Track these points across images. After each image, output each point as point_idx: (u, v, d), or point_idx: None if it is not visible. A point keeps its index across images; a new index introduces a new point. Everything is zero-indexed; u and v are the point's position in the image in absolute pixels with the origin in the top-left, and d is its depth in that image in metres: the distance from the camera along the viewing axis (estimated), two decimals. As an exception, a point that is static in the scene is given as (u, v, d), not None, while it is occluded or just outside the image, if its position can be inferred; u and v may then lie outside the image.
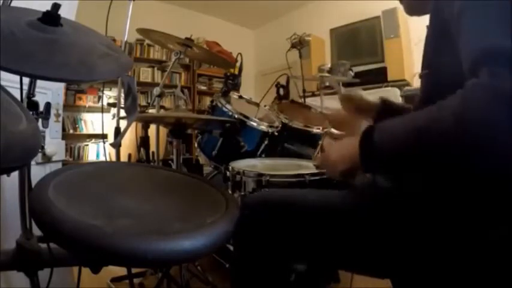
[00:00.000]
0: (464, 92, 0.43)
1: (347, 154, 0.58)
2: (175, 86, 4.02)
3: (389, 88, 3.14)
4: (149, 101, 4.15)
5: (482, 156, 0.41)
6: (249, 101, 1.63)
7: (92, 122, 3.96)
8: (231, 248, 1.07)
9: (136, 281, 1.38)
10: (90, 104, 3.88)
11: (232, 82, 1.55)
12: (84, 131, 3.92)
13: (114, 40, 2.69)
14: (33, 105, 0.77)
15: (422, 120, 0.47)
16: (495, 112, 0.39)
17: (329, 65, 3.68)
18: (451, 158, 0.44)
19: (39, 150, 1.07)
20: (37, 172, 1.06)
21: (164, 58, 4.43)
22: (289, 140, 1.44)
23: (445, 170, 0.47)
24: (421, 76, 0.64)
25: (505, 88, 0.39)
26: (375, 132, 0.53)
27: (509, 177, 0.43)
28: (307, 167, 1.05)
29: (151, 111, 1.71)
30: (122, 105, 1.22)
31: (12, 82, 0.73)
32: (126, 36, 1.43)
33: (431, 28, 0.61)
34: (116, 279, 1.40)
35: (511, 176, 0.43)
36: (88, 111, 3.91)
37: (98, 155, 3.95)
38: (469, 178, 0.47)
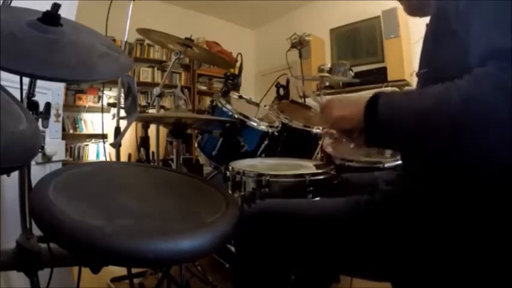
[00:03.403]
0: (473, 78, 0.44)
1: (351, 116, 0.58)
2: (175, 86, 4.01)
3: (389, 88, 3.14)
4: (149, 101, 4.15)
5: (483, 139, 0.44)
6: (249, 101, 1.63)
7: (92, 122, 3.96)
8: (231, 248, 1.07)
9: (136, 281, 1.39)
10: (90, 104, 3.88)
11: (232, 82, 1.55)
12: (84, 131, 3.92)
13: (114, 40, 2.69)
14: (33, 105, 0.77)
15: (430, 101, 0.48)
16: (499, 102, 0.41)
17: (329, 65, 3.69)
18: (455, 140, 0.46)
19: (39, 150, 1.07)
20: (37, 172, 1.06)
21: (164, 58, 4.43)
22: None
23: (447, 149, 0.49)
24: (417, 75, 0.64)
25: (510, 83, 0.41)
26: (379, 105, 0.52)
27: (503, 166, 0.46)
28: (307, 167, 1.05)
29: (151, 111, 1.71)
30: (122, 105, 1.22)
31: (12, 82, 0.73)
32: (126, 36, 1.43)
33: (431, 27, 0.60)
34: (116, 279, 1.40)
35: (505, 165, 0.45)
36: (88, 111, 3.92)
37: (98, 155, 3.95)
38: (465, 162, 0.49)
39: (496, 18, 0.46)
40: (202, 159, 1.43)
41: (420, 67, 0.63)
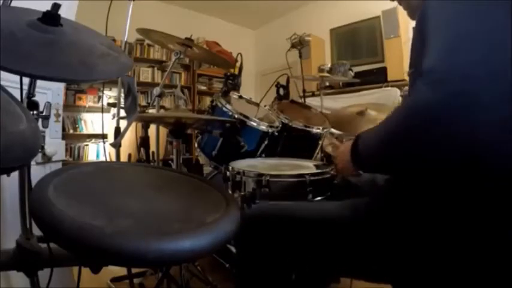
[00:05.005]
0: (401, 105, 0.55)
1: (347, 162, 0.67)
2: (175, 86, 4.04)
3: (389, 88, 3.14)
4: (149, 101, 4.15)
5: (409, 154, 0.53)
6: (249, 101, 1.63)
7: (92, 122, 3.96)
8: (232, 248, 1.07)
9: (136, 281, 1.39)
10: (90, 104, 3.88)
11: (232, 82, 1.55)
12: (84, 131, 3.92)
13: (114, 40, 2.69)
14: (33, 105, 0.77)
15: (383, 127, 0.58)
16: (409, 123, 0.51)
17: (329, 65, 3.69)
18: (403, 156, 0.54)
19: (39, 150, 1.07)
20: (37, 172, 1.06)
21: (164, 58, 4.43)
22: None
23: (408, 165, 0.56)
24: (409, 74, 0.66)
25: (419, 103, 0.49)
26: (359, 141, 0.64)
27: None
28: (307, 167, 1.05)
29: (151, 111, 1.71)
30: (122, 105, 1.22)
31: (12, 82, 0.73)
32: (126, 36, 1.43)
33: (417, 27, 0.62)
34: (116, 279, 1.40)
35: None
36: (88, 111, 3.91)
37: (98, 155, 3.95)
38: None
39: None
40: (202, 159, 1.43)
41: (409, 67, 0.65)
